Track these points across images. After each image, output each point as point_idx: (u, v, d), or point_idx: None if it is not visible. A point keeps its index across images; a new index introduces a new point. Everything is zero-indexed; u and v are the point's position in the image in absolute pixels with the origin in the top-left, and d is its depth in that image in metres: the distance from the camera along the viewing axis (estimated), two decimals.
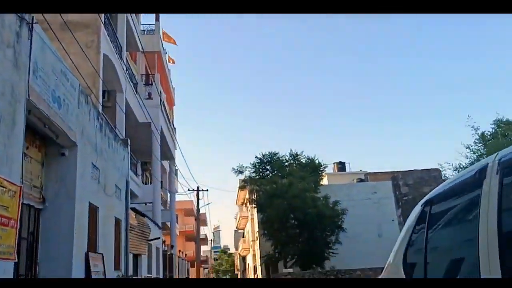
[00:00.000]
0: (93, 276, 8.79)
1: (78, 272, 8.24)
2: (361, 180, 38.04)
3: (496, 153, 2.39)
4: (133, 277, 12.13)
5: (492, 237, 2.12)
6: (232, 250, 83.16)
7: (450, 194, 2.88)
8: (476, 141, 27.49)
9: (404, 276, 3.18)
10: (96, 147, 9.80)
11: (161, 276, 18.59)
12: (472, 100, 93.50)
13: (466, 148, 27.84)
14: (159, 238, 15.86)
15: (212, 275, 75.07)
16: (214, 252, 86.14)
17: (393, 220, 33.99)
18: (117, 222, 11.71)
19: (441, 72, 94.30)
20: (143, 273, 14.91)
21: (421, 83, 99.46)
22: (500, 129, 26.83)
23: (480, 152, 26.69)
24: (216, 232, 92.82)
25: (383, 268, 3.57)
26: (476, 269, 2.18)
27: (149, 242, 15.41)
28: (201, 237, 64.97)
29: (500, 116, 27.47)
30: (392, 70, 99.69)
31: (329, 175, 39.17)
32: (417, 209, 3.32)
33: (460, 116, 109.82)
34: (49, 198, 8.23)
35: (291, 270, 26.24)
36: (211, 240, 68.44)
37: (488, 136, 27.34)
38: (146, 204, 20.76)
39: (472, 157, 26.98)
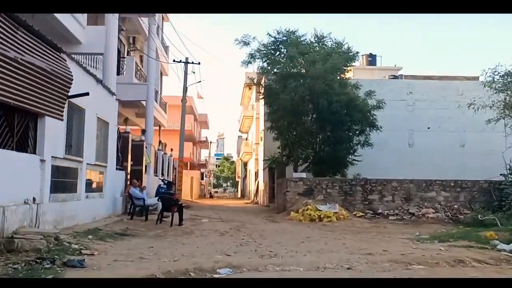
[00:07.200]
0: None
1: None
2: (394, 77, 30.59)
3: None
4: None
5: None
6: (235, 158, 79.45)
7: None
8: None
9: None
10: None
11: (109, 165, 11.93)
12: None
13: None
14: (87, 94, 8.83)
15: (211, 180, 71.00)
16: (217, 159, 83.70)
17: (428, 128, 27.32)
18: None
19: None
20: (50, 152, 8.07)
21: None
22: None
23: None
24: (220, 139, 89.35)
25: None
26: None
27: (70, 99, 8.51)
28: (201, 139, 59.47)
29: None
30: None
31: (356, 69, 31.56)
32: None
33: None
34: None
35: (303, 174, 19.70)
36: (210, 143, 62.71)
37: None
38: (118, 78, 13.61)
39: None
